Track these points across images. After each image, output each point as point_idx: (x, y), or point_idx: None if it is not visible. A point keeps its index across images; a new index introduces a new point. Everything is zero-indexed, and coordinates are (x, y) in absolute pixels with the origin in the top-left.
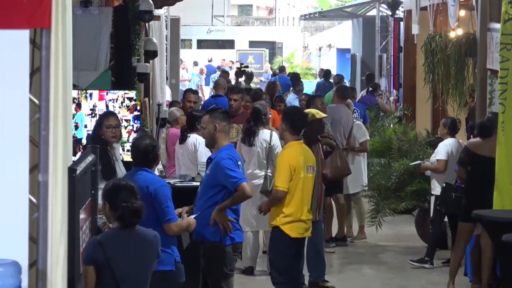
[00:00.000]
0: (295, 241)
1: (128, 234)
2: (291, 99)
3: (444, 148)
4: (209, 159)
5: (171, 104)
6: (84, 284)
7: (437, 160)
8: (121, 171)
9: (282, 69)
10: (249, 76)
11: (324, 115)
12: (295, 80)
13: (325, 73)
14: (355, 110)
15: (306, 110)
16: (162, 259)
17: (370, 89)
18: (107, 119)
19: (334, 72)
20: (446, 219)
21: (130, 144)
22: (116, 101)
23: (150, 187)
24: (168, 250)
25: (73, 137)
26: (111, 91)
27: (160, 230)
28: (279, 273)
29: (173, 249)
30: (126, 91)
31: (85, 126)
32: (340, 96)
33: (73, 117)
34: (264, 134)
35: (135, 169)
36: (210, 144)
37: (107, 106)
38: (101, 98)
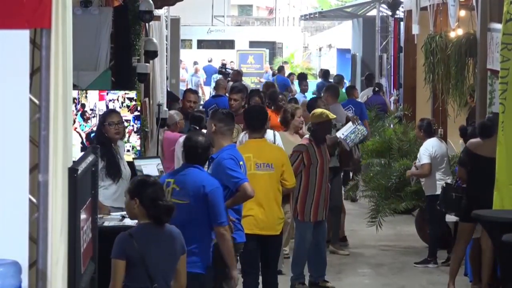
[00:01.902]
0: (247, 236)
1: (159, 230)
2: (299, 97)
3: (426, 152)
4: (211, 159)
5: (170, 104)
6: (113, 279)
7: (421, 164)
8: (125, 169)
9: (280, 69)
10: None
11: (334, 116)
12: (300, 79)
13: (324, 73)
14: (350, 108)
15: (319, 110)
16: (195, 260)
17: (377, 89)
18: (109, 117)
19: (334, 72)
20: (447, 219)
21: (183, 140)
22: (117, 101)
23: (207, 187)
24: (205, 253)
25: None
26: (112, 91)
27: (206, 232)
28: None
29: (209, 253)
30: (127, 91)
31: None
32: (334, 95)
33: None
34: (268, 134)
35: (186, 165)
36: (212, 144)
37: (107, 106)
38: (101, 98)
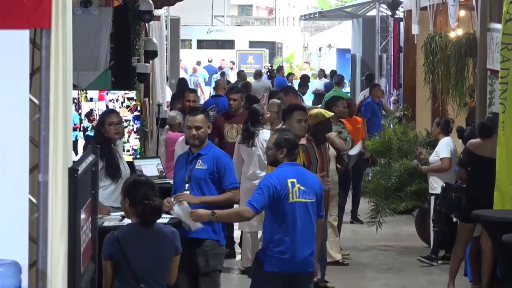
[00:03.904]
0: None
1: (146, 231)
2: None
3: (446, 147)
4: (198, 154)
5: (171, 104)
6: (103, 279)
7: (441, 158)
8: (125, 168)
9: (279, 69)
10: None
11: (331, 114)
12: (302, 81)
13: (331, 74)
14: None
15: (315, 110)
16: (312, 259)
17: None
18: (109, 117)
19: None
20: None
21: (281, 139)
22: (117, 101)
23: (319, 183)
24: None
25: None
26: (111, 91)
27: (311, 227)
28: None
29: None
30: (126, 91)
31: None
32: (296, 94)
33: None
34: (264, 134)
35: (292, 164)
36: (201, 142)
37: (107, 106)
38: (101, 98)
